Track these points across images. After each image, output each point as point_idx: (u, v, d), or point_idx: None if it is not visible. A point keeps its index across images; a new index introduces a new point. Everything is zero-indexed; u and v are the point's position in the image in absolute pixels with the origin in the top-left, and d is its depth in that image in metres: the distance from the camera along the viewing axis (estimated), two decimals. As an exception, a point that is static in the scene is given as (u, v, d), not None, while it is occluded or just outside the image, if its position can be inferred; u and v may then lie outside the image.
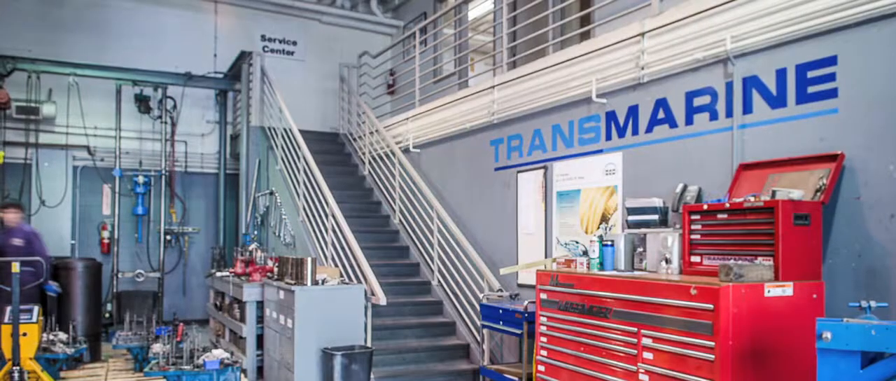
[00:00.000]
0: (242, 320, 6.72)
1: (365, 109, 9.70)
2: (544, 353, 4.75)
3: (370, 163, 9.49)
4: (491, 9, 8.47)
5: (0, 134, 9.19)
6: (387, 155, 8.82)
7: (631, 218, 4.87)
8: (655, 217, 4.73)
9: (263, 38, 11.13)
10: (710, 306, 3.45)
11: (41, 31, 9.66)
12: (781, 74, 4.15)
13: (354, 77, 10.98)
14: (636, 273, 4.33)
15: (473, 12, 9.28)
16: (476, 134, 7.30)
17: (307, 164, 7.91)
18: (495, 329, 5.72)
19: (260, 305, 6.55)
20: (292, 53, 11.34)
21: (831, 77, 3.88)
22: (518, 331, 5.29)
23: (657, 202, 4.77)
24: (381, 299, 5.95)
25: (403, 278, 7.66)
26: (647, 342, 3.85)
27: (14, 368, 5.67)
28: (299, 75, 11.21)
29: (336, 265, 6.88)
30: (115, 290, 9.74)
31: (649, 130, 5.10)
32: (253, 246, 7.62)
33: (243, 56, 9.77)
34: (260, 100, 9.50)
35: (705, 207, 4.05)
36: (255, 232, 9.31)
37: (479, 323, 6.28)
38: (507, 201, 6.74)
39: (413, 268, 7.92)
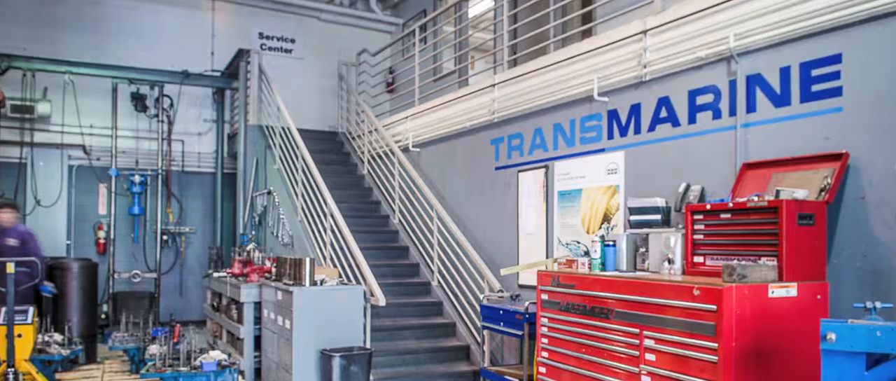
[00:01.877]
0: (240, 321, 6.68)
1: (364, 108, 9.66)
2: (545, 354, 4.71)
3: (369, 162, 9.44)
4: (491, 6, 8.43)
5: (-5, 133, 9.15)
6: (386, 154, 8.77)
7: (633, 218, 4.83)
8: (658, 217, 4.69)
9: (261, 35, 11.07)
10: (713, 307, 3.41)
11: (36, 28, 9.59)
12: (785, 73, 4.12)
13: (353, 75, 10.92)
14: (638, 274, 4.29)
15: (473, 10, 9.23)
16: (476, 133, 7.26)
17: (305, 163, 7.86)
18: (496, 330, 5.68)
19: (258, 306, 6.51)
20: (290, 51, 11.29)
21: (836, 75, 3.84)
22: (519, 332, 5.25)
23: (660, 202, 4.74)
24: (381, 299, 5.91)
25: (403, 279, 7.62)
26: (649, 343, 3.82)
27: (9, 370, 5.61)
28: (297, 73, 11.16)
29: (335, 266, 6.83)
30: (111, 290, 9.67)
31: (652, 128, 5.06)
32: (251, 246, 7.57)
33: (241, 54, 9.71)
34: (258, 98, 9.45)
35: (708, 206, 4.02)
36: (253, 232, 9.25)
37: (479, 324, 6.24)
38: (507, 200, 6.70)
39: (413, 268, 7.88)
